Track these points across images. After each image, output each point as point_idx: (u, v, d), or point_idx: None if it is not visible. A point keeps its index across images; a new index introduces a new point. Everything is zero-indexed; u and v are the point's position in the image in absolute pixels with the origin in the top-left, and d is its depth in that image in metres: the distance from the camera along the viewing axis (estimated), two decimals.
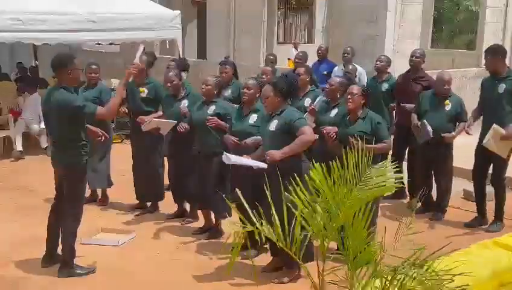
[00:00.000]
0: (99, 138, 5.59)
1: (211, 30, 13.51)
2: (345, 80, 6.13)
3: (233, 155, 5.15)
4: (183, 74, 7.05)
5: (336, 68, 9.03)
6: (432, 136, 6.48)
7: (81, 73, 5.21)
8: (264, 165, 4.95)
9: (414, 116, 6.70)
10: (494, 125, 6.09)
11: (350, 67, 8.03)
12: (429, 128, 6.47)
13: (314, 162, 3.39)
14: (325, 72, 8.98)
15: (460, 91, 7.13)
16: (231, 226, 3.08)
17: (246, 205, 3.16)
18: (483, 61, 6.50)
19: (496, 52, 6.32)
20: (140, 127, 6.56)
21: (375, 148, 4.82)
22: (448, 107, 6.57)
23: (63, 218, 5.22)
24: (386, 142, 5.55)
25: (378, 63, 7.57)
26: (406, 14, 10.52)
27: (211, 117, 5.85)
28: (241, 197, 3.24)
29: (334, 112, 5.98)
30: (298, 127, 4.90)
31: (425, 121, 6.54)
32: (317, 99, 6.36)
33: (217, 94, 6.05)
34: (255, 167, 5.00)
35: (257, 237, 3.12)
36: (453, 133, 6.48)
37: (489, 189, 6.63)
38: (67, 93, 5.02)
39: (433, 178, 6.93)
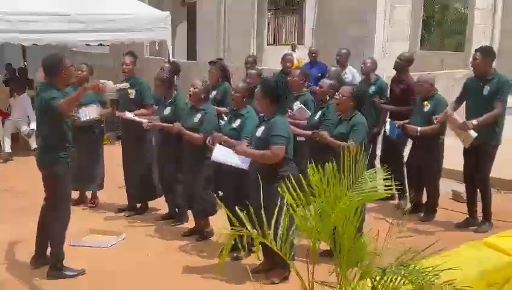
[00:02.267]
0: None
1: (201, 31, 13.51)
2: (336, 83, 6.14)
3: (220, 151, 5.20)
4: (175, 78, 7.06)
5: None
6: (387, 133, 6.73)
7: (73, 70, 5.24)
8: (245, 166, 5.03)
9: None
10: (453, 114, 6.28)
11: (333, 68, 8.03)
12: (387, 125, 6.66)
13: (309, 162, 3.40)
14: (319, 74, 9.00)
15: (448, 92, 7.17)
16: (225, 231, 3.09)
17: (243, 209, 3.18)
18: (471, 61, 6.53)
19: (489, 54, 6.33)
20: (131, 128, 6.62)
21: (332, 142, 5.30)
22: (426, 108, 6.61)
23: (50, 220, 5.21)
24: (351, 143, 5.22)
25: (363, 66, 7.60)
26: (395, 15, 10.58)
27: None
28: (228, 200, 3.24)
29: (318, 114, 6.01)
30: (271, 143, 4.90)
31: (389, 119, 6.78)
32: (296, 107, 6.42)
33: (205, 98, 6.03)
34: (240, 166, 5.09)
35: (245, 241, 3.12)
36: (418, 128, 6.47)
37: None
38: (51, 91, 5.02)
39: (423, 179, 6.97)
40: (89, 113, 6.71)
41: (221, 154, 5.24)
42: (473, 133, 6.12)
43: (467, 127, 6.13)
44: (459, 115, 6.46)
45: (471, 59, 6.49)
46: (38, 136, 5.33)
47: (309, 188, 3.12)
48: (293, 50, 13.25)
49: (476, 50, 6.44)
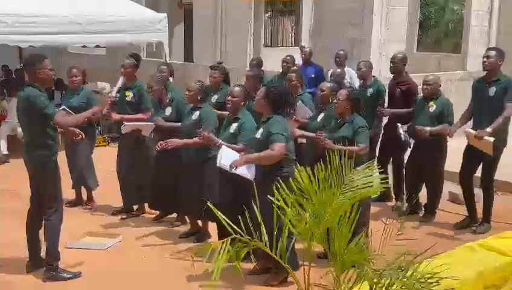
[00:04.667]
0: (77, 137, 5.68)
1: (198, 33, 13.49)
2: (335, 84, 6.15)
3: (225, 155, 5.15)
4: (170, 79, 7.04)
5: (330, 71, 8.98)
6: (403, 138, 6.66)
7: (51, 73, 5.16)
8: (250, 177, 4.97)
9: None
10: (465, 130, 6.27)
11: (338, 70, 8.05)
12: (401, 130, 6.63)
13: (300, 165, 3.39)
14: (313, 76, 8.99)
15: (445, 94, 7.16)
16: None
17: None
18: (469, 63, 6.54)
19: (502, 55, 6.31)
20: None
21: (345, 149, 4.91)
22: (432, 109, 6.59)
23: (44, 220, 5.20)
24: (360, 146, 5.42)
25: (358, 71, 7.60)
26: (391, 17, 10.58)
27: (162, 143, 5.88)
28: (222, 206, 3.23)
29: (320, 116, 6.01)
30: (271, 142, 4.90)
31: (398, 124, 6.74)
32: (298, 104, 6.41)
33: (202, 99, 6.01)
34: (243, 175, 5.01)
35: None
36: (428, 128, 6.44)
37: (476, 191, 6.70)
38: (34, 91, 4.99)
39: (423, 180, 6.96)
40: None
41: (227, 158, 5.15)
42: (490, 138, 6.11)
43: (482, 135, 6.09)
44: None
45: (468, 61, 6.50)
46: (23, 135, 5.28)
47: (302, 191, 3.13)
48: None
49: (489, 49, 6.45)
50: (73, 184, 7.24)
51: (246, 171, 5.02)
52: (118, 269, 5.51)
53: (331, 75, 8.13)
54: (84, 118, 5.49)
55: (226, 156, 5.14)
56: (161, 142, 6.03)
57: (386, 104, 7.39)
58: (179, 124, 6.21)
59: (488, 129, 6.07)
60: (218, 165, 5.14)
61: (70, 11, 9.21)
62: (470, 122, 6.55)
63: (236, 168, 4.95)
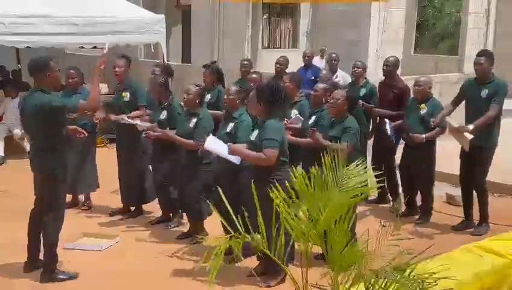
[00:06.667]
0: (80, 135, 5.66)
1: (195, 34, 13.50)
2: (330, 86, 6.15)
3: (212, 141, 5.22)
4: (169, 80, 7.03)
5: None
6: (389, 133, 6.77)
7: (59, 74, 5.18)
8: (236, 161, 5.07)
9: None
10: (447, 118, 6.35)
11: (324, 72, 8.07)
12: (387, 126, 6.73)
13: (295, 167, 3.39)
14: (312, 78, 9.00)
15: (442, 96, 7.20)
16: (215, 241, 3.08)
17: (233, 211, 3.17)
18: (465, 65, 6.55)
19: (492, 58, 6.35)
20: (125, 130, 6.63)
21: (330, 145, 5.06)
22: (423, 111, 6.61)
23: (44, 222, 5.18)
24: (342, 144, 5.36)
25: (355, 69, 7.62)
26: (389, 19, 10.60)
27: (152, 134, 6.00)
28: (226, 203, 3.23)
29: (312, 118, 6.00)
30: (264, 146, 4.89)
31: (386, 120, 6.86)
32: (293, 115, 6.42)
33: (200, 103, 6.01)
34: (231, 160, 5.11)
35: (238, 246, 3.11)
36: (423, 135, 6.48)
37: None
38: (43, 96, 4.99)
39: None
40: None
41: (213, 144, 5.25)
42: (468, 136, 6.14)
43: (462, 130, 6.14)
44: (454, 118, 6.49)
45: (465, 63, 6.52)
46: (31, 139, 5.27)
47: (296, 193, 3.13)
48: (321, 57, 12.43)
49: (480, 54, 6.45)
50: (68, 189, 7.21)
51: (230, 157, 5.13)
52: (115, 270, 5.50)
53: (315, 77, 8.21)
54: (97, 85, 5.23)
55: (212, 141, 5.28)
56: (149, 131, 6.17)
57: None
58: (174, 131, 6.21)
59: (471, 126, 6.11)
60: (204, 147, 5.23)
61: (68, 12, 9.20)
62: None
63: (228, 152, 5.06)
